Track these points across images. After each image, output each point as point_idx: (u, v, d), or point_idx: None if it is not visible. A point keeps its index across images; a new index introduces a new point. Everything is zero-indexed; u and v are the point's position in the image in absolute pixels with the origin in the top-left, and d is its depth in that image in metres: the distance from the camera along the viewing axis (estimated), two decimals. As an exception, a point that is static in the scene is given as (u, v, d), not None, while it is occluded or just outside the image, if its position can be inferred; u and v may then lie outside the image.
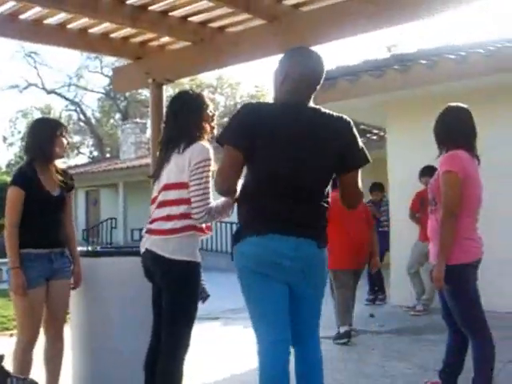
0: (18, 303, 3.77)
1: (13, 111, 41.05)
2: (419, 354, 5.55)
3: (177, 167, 3.26)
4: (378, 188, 9.29)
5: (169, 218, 3.25)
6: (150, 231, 3.34)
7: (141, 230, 3.76)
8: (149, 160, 21.57)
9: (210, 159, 3.24)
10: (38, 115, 43.64)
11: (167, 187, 3.30)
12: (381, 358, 5.47)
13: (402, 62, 8.02)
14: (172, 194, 3.27)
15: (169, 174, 3.30)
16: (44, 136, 3.92)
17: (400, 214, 8.23)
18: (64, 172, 4.14)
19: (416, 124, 8.09)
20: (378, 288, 8.85)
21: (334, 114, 2.91)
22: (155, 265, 3.30)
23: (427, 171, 6.64)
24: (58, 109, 42.58)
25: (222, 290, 10.12)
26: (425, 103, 7.67)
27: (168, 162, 3.32)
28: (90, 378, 4.20)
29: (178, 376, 3.27)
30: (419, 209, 7.52)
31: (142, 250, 3.39)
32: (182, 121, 3.36)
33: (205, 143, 3.31)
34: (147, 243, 3.34)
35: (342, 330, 6.08)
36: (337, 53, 47.42)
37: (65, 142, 4.01)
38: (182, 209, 3.22)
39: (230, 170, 2.80)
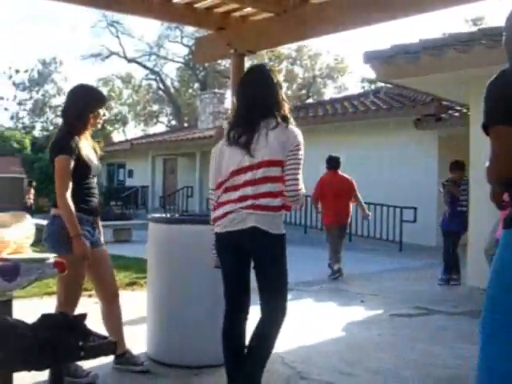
0: (79, 270, 3.80)
1: (94, 79, 42.03)
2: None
3: (279, 145, 3.22)
4: (459, 167, 9.04)
5: (275, 194, 3.23)
6: (254, 207, 3.23)
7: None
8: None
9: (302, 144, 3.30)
10: (118, 83, 44.73)
11: (270, 163, 3.22)
12: (452, 339, 5.38)
13: (489, 37, 7.72)
14: (274, 171, 3.22)
15: (270, 150, 3.22)
16: (78, 105, 3.93)
17: (480, 194, 8.00)
18: (94, 142, 4.18)
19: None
20: (453, 268, 8.68)
21: None
22: (255, 241, 3.28)
23: None
24: (138, 77, 43.44)
25: (296, 263, 10.20)
26: None
27: (263, 137, 3.24)
28: (165, 339, 4.35)
29: (275, 340, 3.37)
30: None
31: (239, 227, 3.27)
32: (276, 96, 3.34)
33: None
34: (250, 220, 3.24)
35: (336, 267, 9.04)
36: (417, 27, 46.06)
37: (101, 113, 4.02)
38: (281, 187, 3.23)
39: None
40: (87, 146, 3.99)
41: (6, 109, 52.62)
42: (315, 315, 6.40)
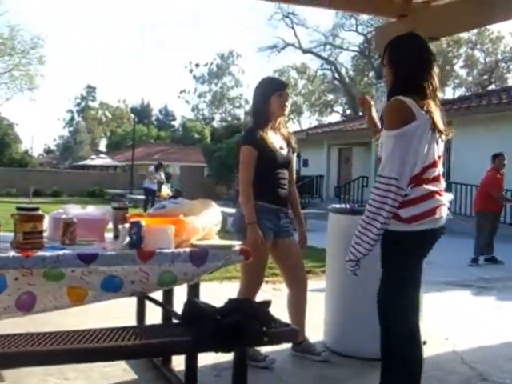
0: (260, 257, 3.82)
1: (270, 71, 43.05)
2: None
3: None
4: None
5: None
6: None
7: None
8: None
9: None
10: (294, 74, 45.47)
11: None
12: None
13: None
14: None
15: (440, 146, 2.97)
16: (258, 98, 4.06)
17: None
18: (289, 133, 4.22)
19: None
20: None
21: None
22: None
23: None
24: (314, 68, 43.81)
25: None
26: None
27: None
28: (342, 330, 4.36)
29: None
30: None
31: (442, 223, 2.95)
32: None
33: None
34: (446, 217, 2.97)
35: None
36: None
37: (280, 100, 4.01)
38: None
39: None
40: (276, 137, 4.07)
41: (187, 101, 55.75)
42: (497, 314, 6.08)
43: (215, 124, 50.07)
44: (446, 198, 2.97)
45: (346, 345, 4.31)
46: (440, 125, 2.87)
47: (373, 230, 2.77)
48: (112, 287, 3.00)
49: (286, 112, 4.20)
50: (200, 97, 54.44)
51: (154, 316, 4.03)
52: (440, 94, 3.04)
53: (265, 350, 3.90)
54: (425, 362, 4.21)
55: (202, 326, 2.70)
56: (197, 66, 52.51)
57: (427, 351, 4.46)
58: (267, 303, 2.89)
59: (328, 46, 40.76)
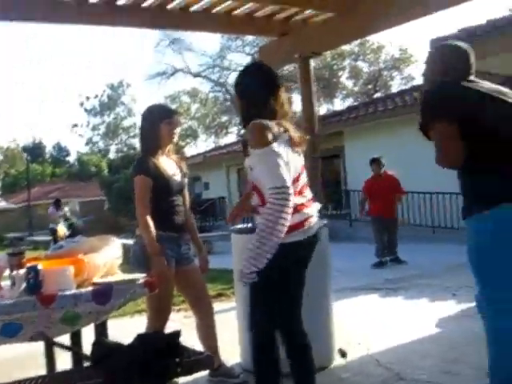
0: (166, 287, 3.77)
1: (161, 97, 42.90)
2: None
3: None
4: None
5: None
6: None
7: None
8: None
9: None
10: (185, 99, 45.49)
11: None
12: None
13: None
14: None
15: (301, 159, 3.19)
16: (146, 126, 4.01)
17: None
18: (179, 159, 4.19)
19: None
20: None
21: None
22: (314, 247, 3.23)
23: None
24: (205, 91, 44.02)
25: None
26: None
27: None
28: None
29: None
30: None
31: (311, 233, 3.10)
32: None
33: None
34: (317, 225, 3.16)
35: None
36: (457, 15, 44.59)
37: (169, 128, 3.97)
38: None
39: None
40: (168, 163, 4.02)
41: (80, 135, 54.53)
42: (406, 313, 6.27)
43: (112, 155, 49.20)
44: (314, 208, 3.15)
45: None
46: (296, 139, 3.06)
47: (274, 238, 2.82)
48: (11, 332, 2.85)
49: (175, 139, 4.15)
50: (93, 129, 53.36)
51: (64, 361, 3.84)
52: (290, 113, 3.29)
53: (182, 380, 3.82)
54: (343, 369, 4.30)
55: (111, 366, 2.61)
56: (87, 98, 51.50)
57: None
58: (177, 334, 2.83)
59: (217, 69, 41.08)
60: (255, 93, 3.11)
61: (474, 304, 3.13)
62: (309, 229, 3.05)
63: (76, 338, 3.71)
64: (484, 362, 3.03)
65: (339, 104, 38.94)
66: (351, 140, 18.05)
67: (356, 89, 38.67)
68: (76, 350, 3.70)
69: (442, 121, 2.83)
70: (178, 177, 4.04)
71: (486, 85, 3.02)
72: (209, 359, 2.96)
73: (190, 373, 2.86)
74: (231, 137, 43.84)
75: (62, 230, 18.65)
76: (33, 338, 3.04)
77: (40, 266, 2.95)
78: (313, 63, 5.69)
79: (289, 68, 35.00)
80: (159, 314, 3.95)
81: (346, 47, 35.38)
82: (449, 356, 4.51)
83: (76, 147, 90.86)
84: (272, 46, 5.97)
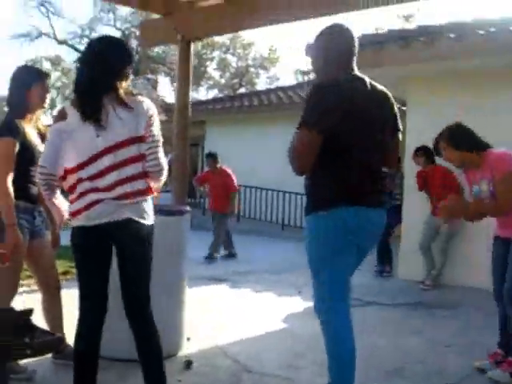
0: (16, 259, 3.57)
1: (22, 60, 40.62)
2: (430, 329, 5.55)
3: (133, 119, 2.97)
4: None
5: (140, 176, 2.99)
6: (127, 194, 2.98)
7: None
8: (162, 117, 21.31)
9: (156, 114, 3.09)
10: (47, 66, 43.37)
11: (130, 142, 2.96)
12: (394, 331, 5.46)
13: (428, 34, 7.86)
14: (134, 150, 2.97)
15: (128, 127, 2.96)
16: (16, 88, 3.76)
17: (413, 188, 8.18)
18: (45, 128, 3.91)
19: (438, 99, 8.03)
20: (385, 260, 8.83)
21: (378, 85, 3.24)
22: (129, 234, 3.01)
23: (423, 152, 7.83)
24: (69, 60, 42.20)
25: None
26: (449, 78, 7.66)
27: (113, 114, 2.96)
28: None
29: None
30: (423, 186, 7.93)
31: (109, 219, 2.95)
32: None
33: None
34: (123, 211, 2.97)
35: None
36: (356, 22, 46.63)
37: (42, 92, 3.78)
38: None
39: (311, 154, 2.99)
40: (33, 131, 3.79)
41: None
42: (255, 307, 6.37)
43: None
44: (113, 194, 2.93)
45: (109, 348, 4.14)
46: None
47: None
48: None
49: (46, 105, 3.90)
50: None
51: None
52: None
53: (25, 361, 3.61)
54: (194, 358, 4.26)
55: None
56: None
57: (192, 348, 4.54)
58: (28, 312, 2.63)
59: (85, 39, 39.52)
60: None
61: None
62: (97, 215, 2.93)
63: None
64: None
65: (204, 94, 38.95)
66: (212, 130, 18.13)
67: (222, 81, 38.83)
68: None
69: (314, 129, 2.94)
70: (41, 147, 3.78)
71: (361, 89, 3.13)
72: (59, 341, 2.81)
73: (39, 354, 2.69)
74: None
75: None
76: None
77: None
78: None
79: (158, 50, 34.59)
80: (8, 288, 3.70)
81: (218, 39, 35.49)
82: (294, 350, 4.64)
83: None
84: (154, 24, 5.80)
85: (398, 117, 3.31)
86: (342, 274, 3.17)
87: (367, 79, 3.18)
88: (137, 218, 2.96)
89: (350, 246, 3.13)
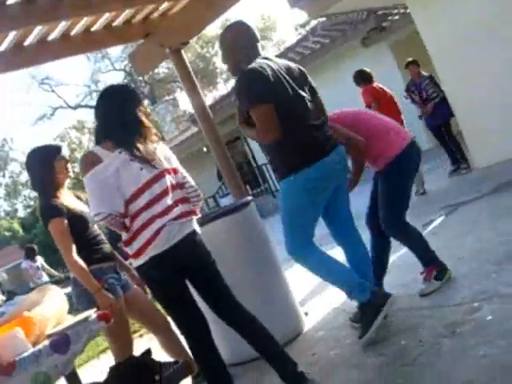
0: (119, 317, 3.65)
1: (50, 139, 41.71)
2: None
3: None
4: (413, 64, 9.05)
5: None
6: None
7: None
8: (192, 130, 21.08)
9: None
10: (74, 134, 44.38)
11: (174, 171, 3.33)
12: (491, 217, 5.35)
13: None
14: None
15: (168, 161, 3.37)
16: (38, 168, 3.84)
17: (452, 79, 8.02)
18: (78, 195, 4.08)
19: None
20: (459, 157, 8.67)
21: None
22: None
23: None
24: (90, 120, 43.06)
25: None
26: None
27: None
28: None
29: None
30: None
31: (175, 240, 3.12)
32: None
33: None
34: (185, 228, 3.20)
35: None
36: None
37: (63, 163, 3.87)
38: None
39: (274, 121, 3.33)
40: (72, 199, 3.92)
41: (-19, 203, 52.27)
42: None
43: (21, 214, 47.53)
44: (175, 212, 3.11)
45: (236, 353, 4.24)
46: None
47: None
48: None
49: (71, 173, 4.01)
50: (-7, 194, 51.36)
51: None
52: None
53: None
54: (315, 329, 4.28)
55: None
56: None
57: (313, 320, 4.58)
58: (148, 352, 2.78)
59: (94, 94, 40.26)
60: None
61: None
62: (167, 240, 3.06)
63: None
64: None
65: (224, 88, 39.03)
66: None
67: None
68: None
69: (259, 103, 3.30)
70: (86, 208, 3.90)
71: (279, 61, 3.58)
72: (187, 365, 2.92)
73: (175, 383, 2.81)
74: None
75: (-3, 298, 18.02)
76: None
77: (-12, 339, 2.82)
78: (185, 55, 5.65)
79: (163, 70, 34.81)
80: (123, 346, 3.83)
81: (211, 32, 35.42)
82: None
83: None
84: (140, 50, 5.87)
85: (312, 81, 3.70)
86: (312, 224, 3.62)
87: (273, 57, 3.66)
88: (197, 230, 3.25)
89: (321, 199, 3.58)
